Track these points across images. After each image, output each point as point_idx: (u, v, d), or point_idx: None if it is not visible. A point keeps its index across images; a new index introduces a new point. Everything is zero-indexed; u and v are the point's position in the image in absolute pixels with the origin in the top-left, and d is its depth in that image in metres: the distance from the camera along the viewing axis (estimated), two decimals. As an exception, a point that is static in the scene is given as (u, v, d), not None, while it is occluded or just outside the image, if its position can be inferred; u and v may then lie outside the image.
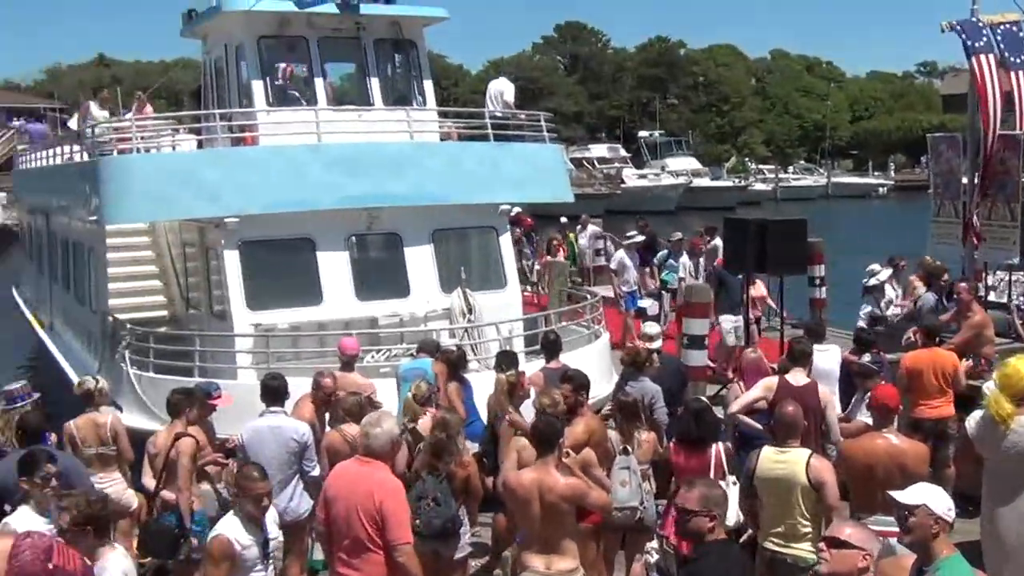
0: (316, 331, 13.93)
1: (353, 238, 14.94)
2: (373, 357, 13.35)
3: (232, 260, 14.07)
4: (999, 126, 15.19)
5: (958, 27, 15.29)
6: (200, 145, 15.58)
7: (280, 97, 15.62)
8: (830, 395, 9.87)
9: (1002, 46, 15.06)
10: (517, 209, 19.50)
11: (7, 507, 8.10)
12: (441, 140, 16.39)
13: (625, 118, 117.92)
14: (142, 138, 15.19)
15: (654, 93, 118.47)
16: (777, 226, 14.20)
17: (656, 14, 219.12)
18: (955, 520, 5.33)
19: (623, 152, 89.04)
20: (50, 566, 5.60)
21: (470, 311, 14.65)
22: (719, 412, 10.01)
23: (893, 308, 16.85)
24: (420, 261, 15.11)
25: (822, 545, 5.28)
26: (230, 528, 6.70)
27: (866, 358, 11.21)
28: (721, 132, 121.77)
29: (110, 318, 14.96)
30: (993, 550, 7.71)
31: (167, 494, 8.98)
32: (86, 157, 16.34)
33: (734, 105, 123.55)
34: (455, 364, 11.10)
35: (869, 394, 9.12)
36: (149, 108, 19.66)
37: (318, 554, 8.76)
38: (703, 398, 11.14)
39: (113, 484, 9.75)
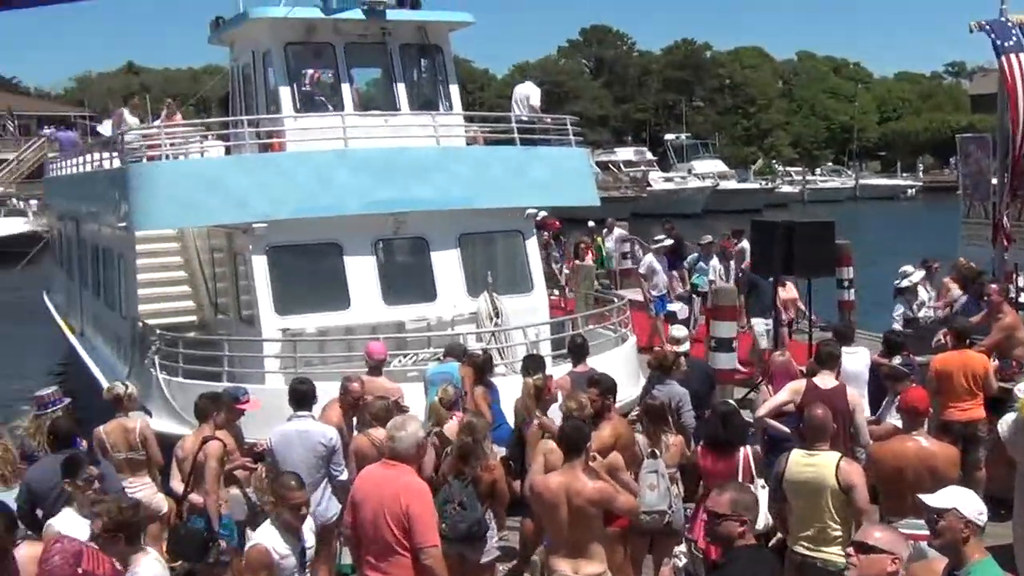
0: (343, 336, 13.97)
1: (380, 243, 14.97)
2: (400, 361, 13.38)
3: (260, 265, 14.15)
4: (1029, 126, 15.04)
5: (987, 27, 15.17)
6: (228, 151, 15.68)
7: (307, 103, 15.69)
8: (858, 398, 9.80)
9: (1031, 45, 14.93)
10: (543, 213, 19.50)
11: (39, 512, 8.20)
12: (467, 144, 16.41)
13: (651, 121, 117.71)
14: (171, 145, 15.29)
15: (680, 96, 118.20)
16: (804, 228, 14.14)
17: (681, 17, 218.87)
18: (987, 524, 5.29)
19: (649, 155, 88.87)
20: (80, 571, 5.65)
21: (497, 315, 14.66)
22: (747, 415, 9.97)
23: (925, 310, 16.70)
24: (447, 265, 15.13)
25: (850, 550, 5.25)
26: (268, 538, 6.68)
27: (896, 360, 11.13)
28: (748, 134, 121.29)
29: (139, 324, 15.07)
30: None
31: (195, 497, 9.03)
32: (117, 164, 16.46)
33: (760, 107, 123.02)
34: (481, 368, 11.11)
35: (899, 397, 9.06)
36: (179, 116, 19.79)
37: (346, 558, 8.79)
38: (731, 401, 11.10)
39: (143, 489, 9.81)
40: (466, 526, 8.00)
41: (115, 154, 16.88)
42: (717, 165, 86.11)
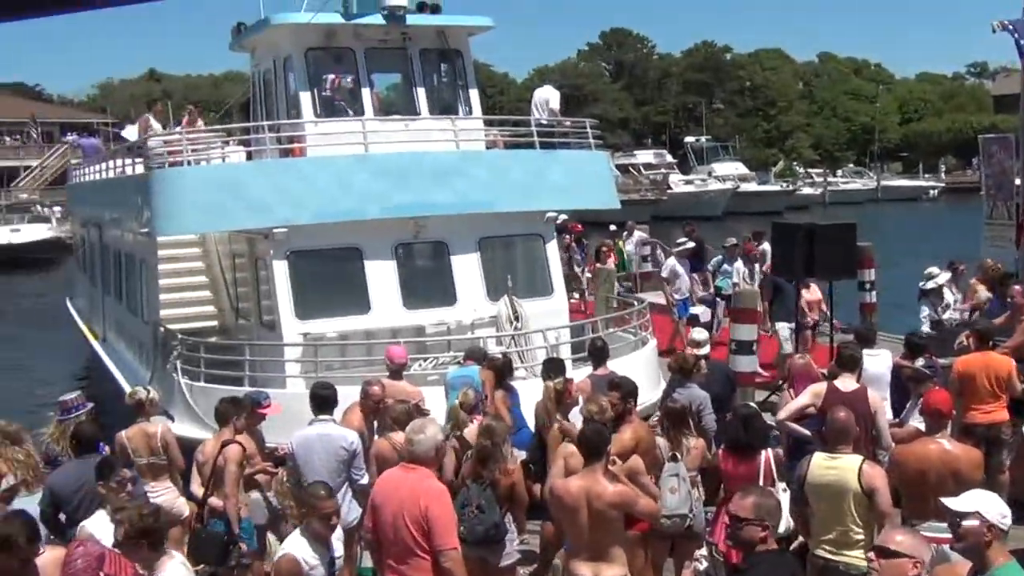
0: (364, 340, 14.00)
1: (400, 247, 15.01)
2: (420, 365, 13.40)
3: (281, 270, 14.21)
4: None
5: (1010, 27, 15.10)
6: (249, 157, 15.76)
7: (327, 108, 15.75)
8: (879, 400, 9.74)
9: (1055, 45, 14.85)
10: (564, 216, 19.50)
11: (61, 516, 8.26)
12: (487, 148, 16.43)
13: (671, 124, 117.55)
14: (193, 151, 15.37)
15: (700, 98, 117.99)
16: (826, 230, 14.09)
17: (701, 19, 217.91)
18: (1011, 527, 5.25)
19: (669, 158, 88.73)
20: (102, 574, 5.68)
21: (517, 319, 14.67)
22: (769, 418, 9.93)
23: (950, 312, 16.58)
24: (467, 269, 15.16)
25: (872, 555, 5.22)
26: (297, 548, 6.63)
27: (919, 363, 11.07)
28: (768, 136, 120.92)
29: (161, 328, 15.15)
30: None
31: (215, 501, 9.07)
32: (140, 170, 16.57)
33: (781, 109, 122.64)
34: (501, 372, 11.11)
35: (921, 399, 9.01)
36: (200, 122, 19.88)
37: (367, 562, 8.81)
38: (751, 404, 11.07)
39: (165, 493, 9.85)
40: (483, 529, 8.01)
41: (139, 160, 16.99)
42: (737, 167, 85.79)
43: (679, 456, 8.67)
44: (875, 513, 7.13)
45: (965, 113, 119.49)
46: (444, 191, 14.71)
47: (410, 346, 12.88)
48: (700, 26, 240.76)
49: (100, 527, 6.91)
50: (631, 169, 79.25)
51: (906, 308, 17.65)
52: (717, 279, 20.22)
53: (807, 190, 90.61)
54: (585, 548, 7.21)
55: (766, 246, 19.02)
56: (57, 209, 56.18)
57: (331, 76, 16.08)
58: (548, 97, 17.18)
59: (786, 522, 7.70)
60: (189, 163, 15.04)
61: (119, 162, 19.23)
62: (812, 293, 16.46)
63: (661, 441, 8.92)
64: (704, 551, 8.68)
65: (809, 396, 9.41)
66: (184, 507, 10.07)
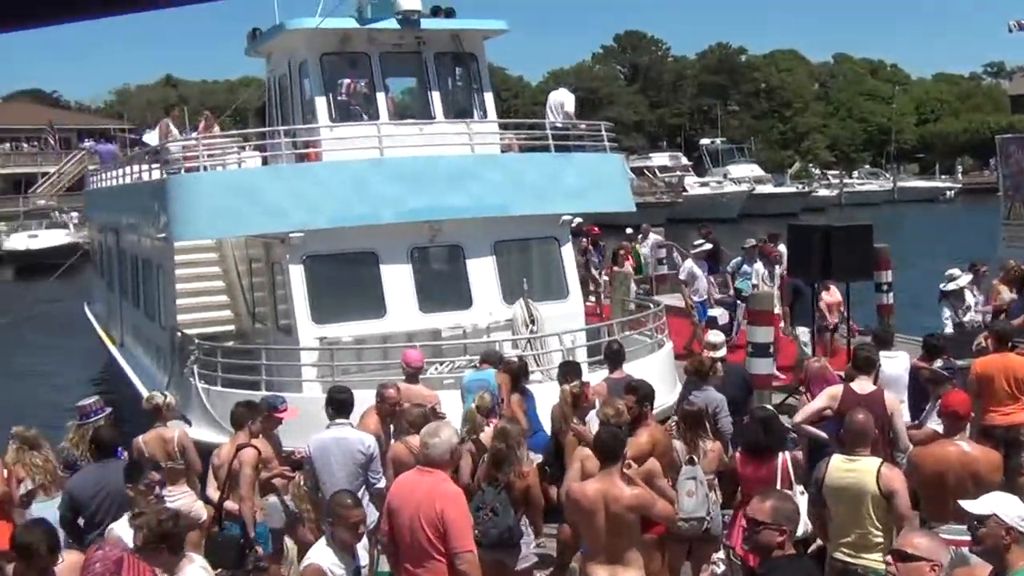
0: (380, 344, 14.03)
1: (415, 251, 15.03)
2: (436, 369, 13.42)
3: (297, 275, 14.25)
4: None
5: (1026, 26, 15.04)
6: (265, 162, 15.80)
7: (343, 113, 15.78)
8: (896, 402, 9.69)
9: (1072, 45, 14.78)
10: (579, 219, 19.49)
11: (80, 520, 8.31)
12: (502, 152, 16.44)
13: (686, 126, 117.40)
14: (209, 156, 15.44)
15: (715, 100, 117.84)
16: (842, 232, 14.05)
17: (716, 20, 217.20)
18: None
19: (684, 160, 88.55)
20: (120, 578, 5.70)
21: (532, 322, 14.68)
22: (786, 421, 9.90)
23: (971, 314, 16.47)
24: (482, 272, 15.17)
25: (889, 559, 5.19)
26: (323, 557, 6.57)
27: (937, 364, 11.02)
28: (784, 138, 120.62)
29: (179, 333, 15.21)
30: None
31: (230, 505, 9.09)
32: (156, 175, 16.64)
33: (797, 110, 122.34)
34: (517, 375, 11.12)
35: (940, 401, 8.96)
36: (216, 127, 19.94)
37: (384, 566, 8.81)
38: (768, 407, 11.04)
39: (182, 497, 9.89)
40: (498, 532, 8.01)
41: (155, 165, 17.07)
42: (753, 169, 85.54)
43: (696, 459, 8.65)
44: (894, 516, 7.10)
45: (982, 113, 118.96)
46: (459, 195, 14.72)
47: (426, 350, 12.89)
48: (715, 28, 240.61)
49: (128, 530, 6.94)
50: (646, 172, 79.07)
51: (924, 309, 17.58)
52: (737, 281, 20.12)
53: (823, 192, 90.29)
54: (602, 551, 7.20)
55: (782, 247, 18.94)
56: (75, 215, 56.50)
57: (346, 81, 16.13)
58: (563, 100, 17.18)
59: (804, 525, 7.67)
60: (205, 168, 15.09)
61: (136, 168, 19.32)
62: (832, 295, 16.39)
63: (678, 444, 8.90)
64: (721, 554, 8.67)
65: (825, 399, 9.38)
66: (202, 511, 10.10)
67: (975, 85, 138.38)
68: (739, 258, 20.59)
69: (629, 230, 27.63)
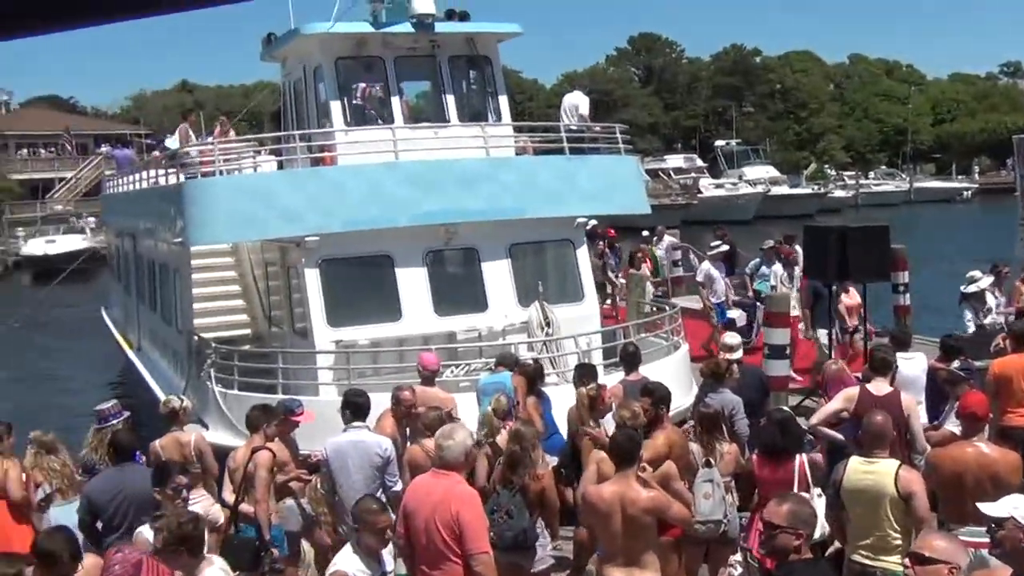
0: (396, 347, 14.04)
1: (431, 254, 15.03)
2: (452, 372, 13.41)
3: (312, 278, 14.28)
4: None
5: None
6: (280, 166, 15.85)
7: (358, 116, 15.79)
8: (913, 403, 9.64)
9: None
10: (594, 222, 19.46)
11: (99, 523, 8.34)
12: (517, 155, 16.44)
13: (701, 128, 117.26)
14: (224, 160, 15.49)
15: (730, 102, 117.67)
16: (858, 233, 14.00)
17: (730, 22, 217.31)
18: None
19: (699, 162, 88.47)
20: (139, 581, 5.73)
21: (548, 324, 14.66)
22: (803, 423, 9.87)
23: (993, 316, 16.37)
24: (497, 275, 15.17)
25: (907, 562, 5.17)
26: (349, 564, 6.54)
27: (954, 365, 10.97)
28: (799, 139, 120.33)
29: (195, 337, 15.26)
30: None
31: (245, 507, 9.12)
32: (173, 180, 16.71)
33: (812, 111, 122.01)
34: (533, 378, 11.11)
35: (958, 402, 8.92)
36: (232, 132, 20.03)
37: (400, 568, 8.82)
38: (785, 408, 11.00)
39: (199, 501, 9.91)
40: (512, 535, 8.01)
41: (171, 170, 17.14)
42: (768, 171, 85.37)
43: (713, 462, 8.63)
44: (912, 518, 7.07)
45: (999, 113, 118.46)
46: (474, 198, 14.73)
47: (441, 353, 12.88)
48: (729, 29, 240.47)
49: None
50: (661, 174, 79.03)
51: (941, 311, 17.50)
52: (755, 282, 20.05)
53: (839, 193, 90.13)
54: (618, 554, 7.20)
55: (797, 249, 18.88)
56: (92, 220, 56.81)
57: (361, 85, 16.15)
58: (577, 102, 17.17)
59: (821, 527, 7.65)
60: (221, 173, 15.15)
61: (152, 172, 19.41)
62: (852, 298, 16.30)
63: (694, 446, 8.88)
64: (739, 557, 8.63)
65: (842, 401, 9.35)
66: (219, 514, 10.11)
67: (992, 85, 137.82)
68: (757, 260, 20.52)
69: (645, 232, 27.58)
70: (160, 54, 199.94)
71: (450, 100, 15.83)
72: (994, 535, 5.10)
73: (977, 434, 7.89)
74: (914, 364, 11.23)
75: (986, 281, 16.42)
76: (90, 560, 6.45)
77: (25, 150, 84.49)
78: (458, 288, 15.39)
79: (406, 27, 15.28)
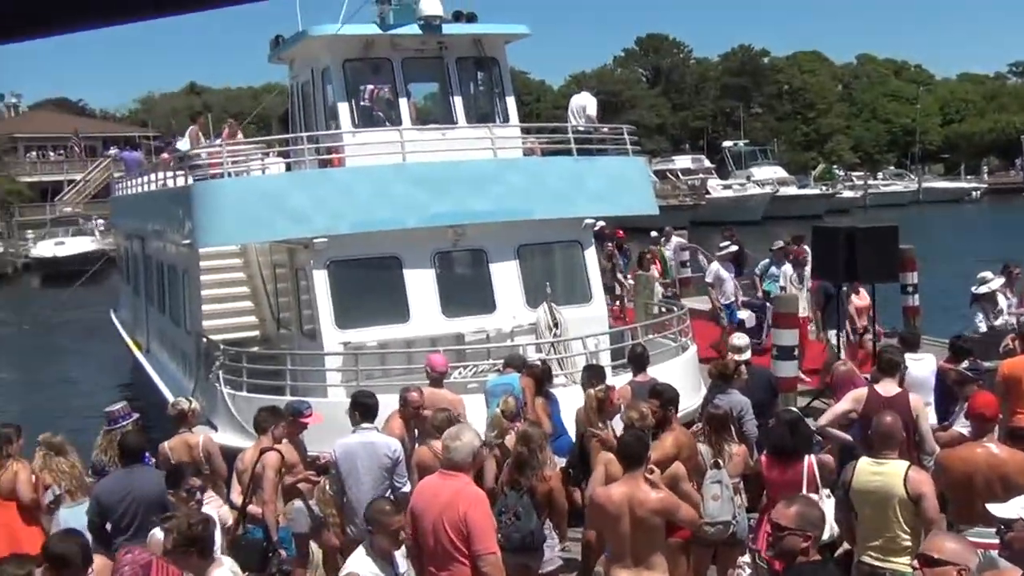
0: (404, 348, 14.05)
1: (439, 255, 15.05)
2: (460, 373, 13.42)
3: (321, 280, 14.30)
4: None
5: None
6: (288, 168, 15.87)
7: (365, 118, 15.81)
8: (921, 404, 9.61)
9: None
10: (602, 223, 19.44)
11: (108, 525, 8.36)
12: (524, 156, 16.44)
13: (709, 129, 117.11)
14: (233, 162, 15.52)
15: (738, 103, 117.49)
16: (866, 233, 13.97)
17: (738, 22, 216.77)
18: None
19: (707, 163, 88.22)
20: (149, 582, 5.74)
21: (556, 326, 14.66)
22: (811, 424, 9.85)
23: (1004, 317, 16.30)
24: (505, 277, 15.17)
25: (916, 563, 5.15)
26: (362, 566, 6.51)
27: (963, 366, 10.94)
28: (807, 139, 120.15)
29: (204, 339, 15.29)
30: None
31: (253, 508, 9.13)
32: (181, 182, 16.75)
33: (820, 112, 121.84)
34: (541, 379, 11.11)
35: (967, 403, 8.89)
36: (240, 135, 20.06)
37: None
38: (794, 409, 10.99)
39: (209, 502, 9.93)
40: (520, 536, 8.01)
41: (180, 172, 17.18)
42: (776, 171, 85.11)
43: (721, 463, 8.62)
44: (921, 519, 7.05)
45: (1008, 113, 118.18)
46: (482, 199, 14.74)
47: (449, 354, 12.87)
48: (737, 30, 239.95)
49: None
50: (669, 175, 78.87)
51: (950, 311, 17.45)
52: (764, 283, 20.00)
53: (847, 193, 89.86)
54: (627, 555, 7.19)
55: (806, 249, 18.84)
56: (100, 222, 56.90)
57: (369, 86, 16.17)
58: (585, 103, 17.17)
59: (830, 529, 7.63)
60: (230, 175, 15.18)
61: (161, 175, 19.45)
62: (862, 299, 16.26)
63: (703, 448, 8.87)
64: (747, 558, 8.63)
65: (850, 401, 9.33)
66: (228, 515, 10.12)
67: (1000, 85, 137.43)
68: (767, 260, 20.46)
69: (654, 233, 27.55)
70: (168, 57, 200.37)
71: (458, 101, 15.84)
72: (1003, 536, 5.09)
73: (987, 435, 7.86)
74: (923, 365, 11.21)
75: (997, 282, 16.36)
76: (99, 561, 6.46)
77: (34, 153, 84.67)
78: (466, 289, 15.39)
79: (413, 29, 15.29)
